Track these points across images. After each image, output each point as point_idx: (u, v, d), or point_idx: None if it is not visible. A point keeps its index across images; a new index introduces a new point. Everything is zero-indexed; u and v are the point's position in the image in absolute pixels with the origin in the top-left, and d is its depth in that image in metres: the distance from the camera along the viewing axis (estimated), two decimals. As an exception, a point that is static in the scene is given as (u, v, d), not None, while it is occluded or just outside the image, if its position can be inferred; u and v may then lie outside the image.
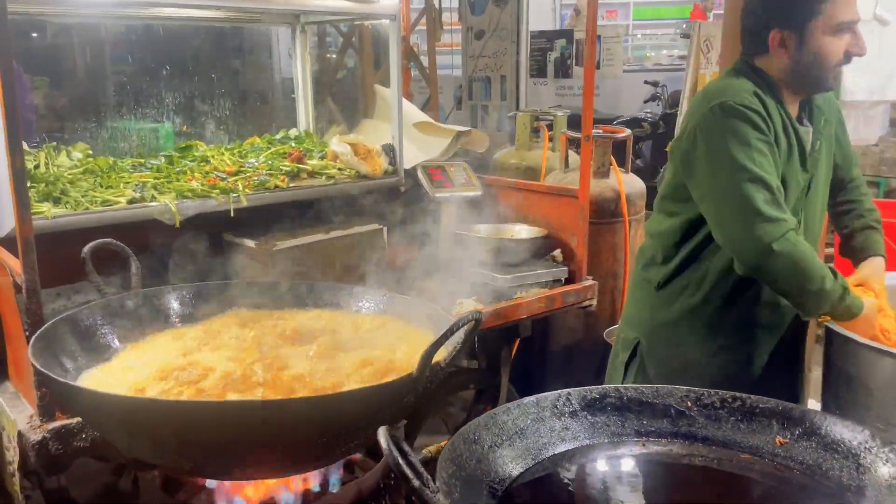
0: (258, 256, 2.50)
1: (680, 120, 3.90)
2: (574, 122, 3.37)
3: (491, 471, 1.37)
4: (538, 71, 7.55)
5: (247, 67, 3.37)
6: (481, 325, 1.38)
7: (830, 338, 1.77)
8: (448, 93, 7.32)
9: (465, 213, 3.15)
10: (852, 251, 1.93)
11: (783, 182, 1.76)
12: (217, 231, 2.53)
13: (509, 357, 2.90)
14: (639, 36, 11.64)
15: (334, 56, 4.37)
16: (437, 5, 4.33)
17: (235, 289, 1.90)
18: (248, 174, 2.55)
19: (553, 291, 2.77)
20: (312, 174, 2.69)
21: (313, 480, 1.56)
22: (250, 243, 2.51)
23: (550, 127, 3.52)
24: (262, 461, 1.32)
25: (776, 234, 1.64)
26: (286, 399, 1.32)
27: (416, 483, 1.09)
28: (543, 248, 2.94)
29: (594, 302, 2.89)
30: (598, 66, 6.68)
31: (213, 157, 2.72)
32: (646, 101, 7.34)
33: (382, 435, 1.12)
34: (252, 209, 2.48)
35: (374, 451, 1.69)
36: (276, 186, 2.55)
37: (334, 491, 1.54)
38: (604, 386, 1.64)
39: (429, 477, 1.17)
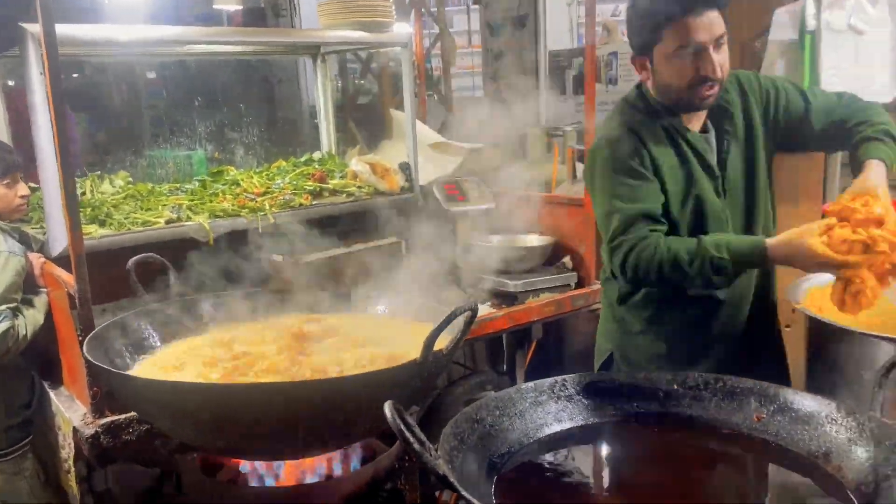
0: (285, 270, 2.69)
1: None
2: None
3: (491, 446, 1.53)
4: (558, 88, 7.73)
5: (274, 96, 3.60)
6: (477, 314, 1.54)
7: (808, 323, 1.85)
8: (469, 115, 7.51)
9: (480, 225, 3.33)
10: (855, 165, 1.81)
11: (687, 189, 1.86)
12: (247, 247, 2.74)
13: (524, 360, 3.05)
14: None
15: (356, 82, 4.62)
16: (449, 31, 4.56)
17: (263, 296, 2.10)
18: (274, 194, 2.77)
19: (563, 296, 2.92)
20: (334, 192, 2.90)
21: (335, 461, 1.73)
22: (277, 258, 2.71)
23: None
24: (286, 441, 1.49)
25: (621, 254, 1.78)
26: (302, 381, 1.49)
27: (417, 447, 1.25)
28: (553, 256, 3.09)
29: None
30: (615, 83, 6.81)
31: (242, 180, 2.95)
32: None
33: (388, 406, 1.29)
34: (279, 226, 2.68)
35: (390, 436, 1.85)
36: (301, 205, 2.76)
37: (354, 471, 1.70)
38: (598, 372, 1.79)
39: (431, 445, 1.33)
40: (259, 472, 1.66)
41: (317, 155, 3.39)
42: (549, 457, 1.54)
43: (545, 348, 3.08)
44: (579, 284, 3.01)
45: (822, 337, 1.77)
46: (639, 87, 1.97)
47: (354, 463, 1.77)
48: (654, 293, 1.98)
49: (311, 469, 1.71)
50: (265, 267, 2.70)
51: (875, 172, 1.73)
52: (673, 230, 1.87)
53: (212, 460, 1.70)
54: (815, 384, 1.77)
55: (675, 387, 1.71)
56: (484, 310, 2.88)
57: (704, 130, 1.94)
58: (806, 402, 1.55)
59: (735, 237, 1.79)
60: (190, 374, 1.61)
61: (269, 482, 1.66)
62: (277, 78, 3.36)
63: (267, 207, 2.64)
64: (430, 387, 1.63)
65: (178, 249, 2.47)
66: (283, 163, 3.27)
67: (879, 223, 1.59)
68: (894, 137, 1.83)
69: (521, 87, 6.99)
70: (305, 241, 2.81)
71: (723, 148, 1.92)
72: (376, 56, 4.32)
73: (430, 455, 1.29)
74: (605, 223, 1.87)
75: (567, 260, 3.07)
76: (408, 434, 1.27)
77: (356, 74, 4.81)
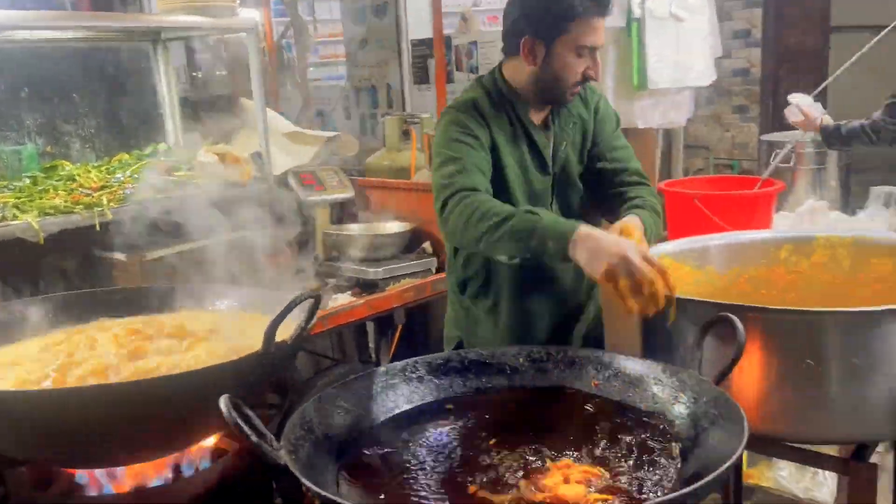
0: (129, 269, 2.55)
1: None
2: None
3: (341, 432, 1.52)
4: (421, 78, 7.77)
5: (118, 86, 3.38)
6: (321, 302, 1.53)
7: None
8: (335, 103, 7.41)
9: (340, 214, 3.30)
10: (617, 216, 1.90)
11: (523, 176, 1.93)
12: (86, 247, 2.58)
13: (389, 347, 3.06)
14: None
15: (202, 72, 4.44)
16: (303, 17, 4.46)
17: (100, 296, 1.98)
18: (114, 189, 2.61)
19: (423, 281, 2.95)
20: (180, 184, 2.77)
21: (183, 462, 1.66)
22: (120, 256, 2.57)
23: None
24: (123, 444, 1.42)
25: (448, 204, 1.80)
26: (126, 382, 1.41)
27: (254, 439, 1.23)
28: (413, 242, 3.11)
29: (464, 288, 3.09)
30: (475, 71, 6.93)
31: (79, 175, 2.75)
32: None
33: (223, 400, 1.25)
34: (121, 223, 2.53)
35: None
36: (144, 199, 2.61)
37: (201, 470, 1.64)
38: (447, 353, 1.82)
39: (272, 437, 1.31)
40: (98, 480, 1.57)
41: (162, 146, 3.22)
42: (402, 434, 1.56)
43: (411, 333, 3.10)
44: (440, 269, 3.05)
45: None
46: (493, 73, 1.99)
47: (204, 462, 1.71)
48: (494, 281, 2.02)
49: (157, 472, 1.63)
50: (106, 267, 2.55)
51: (634, 219, 1.81)
52: None
53: (43, 473, 1.59)
54: (650, 349, 1.89)
55: (521, 360, 1.78)
56: (345, 299, 2.86)
57: (546, 127, 1.99)
58: (636, 366, 1.66)
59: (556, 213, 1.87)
60: (11, 381, 1.49)
61: (108, 490, 1.57)
62: (124, 67, 3.15)
63: (105, 203, 2.49)
64: (278, 378, 1.60)
65: (4, 250, 2.29)
66: (126, 156, 3.08)
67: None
68: (658, 214, 1.94)
69: (383, 76, 6.96)
70: (149, 238, 2.67)
71: (560, 148, 1.99)
72: (227, 44, 4.16)
73: (271, 446, 1.27)
74: (437, 179, 1.88)
75: (427, 245, 3.10)
76: (245, 427, 1.24)
77: (204, 64, 4.63)
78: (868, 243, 2.10)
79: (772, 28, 5.89)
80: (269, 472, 1.83)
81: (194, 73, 4.17)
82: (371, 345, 3.46)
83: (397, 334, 3.09)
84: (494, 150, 1.91)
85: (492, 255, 1.89)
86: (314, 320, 1.55)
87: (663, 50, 2.61)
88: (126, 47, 3.28)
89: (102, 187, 2.61)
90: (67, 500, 1.55)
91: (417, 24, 7.94)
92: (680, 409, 1.50)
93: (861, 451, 1.78)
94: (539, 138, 1.96)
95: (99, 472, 1.58)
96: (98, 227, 2.44)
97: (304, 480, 1.22)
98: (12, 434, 1.38)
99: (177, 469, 1.66)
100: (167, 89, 3.23)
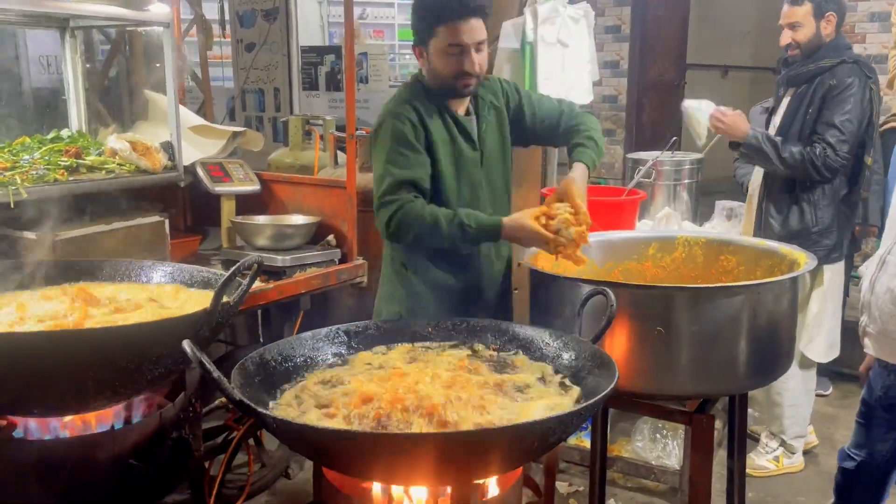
0: (39, 248, 2.59)
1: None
2: (342, 129, 3.79)
3: (275, 382, 1.73)
4: (310, 84, 7.89)
5: (19, 69, 3.32)
6: (262, 267, 1.72)
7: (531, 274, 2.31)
8: (220, 104, 7.40)
9: (245, 207, 3.43)
10: (569, 162, 2.36)
11: (456, 158, 2.28)
12: (-6, 224, 2.59)
13: (292, 331, 3.22)
14: (406, 57, 12.41)
15: (100, 62, 4.41)
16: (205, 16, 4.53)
17: (28, 268, 2.06)
18: (25, 169, 2.64)
19: (328, 270, 3.15)
20: (92, 169, 2.83)
21: (116, 417, 1.79)
22: (31, 235, 2.60)
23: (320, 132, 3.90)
24: (75, 391, 1.55)
25: (388, 212, 2.14)
26: (92, 328, 1.55)
27: (215, 375, 1.42)
28: (318, 234, 3.30)
29: (365, 279, 3.32)
30: (366, 81, 7.16)
31: (-19, 154, 2.75)
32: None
33: (186, 343, 1.43)
34: (32, 203, 2.57)
35: (172, 392, 1.95)
36: (56, 180, 2.66)
37: (138, 422, 1.78)
38: (366, 322, 2.07)
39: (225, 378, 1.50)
40: (37, 428, 1.67)
41: (66, 132, 3.23)
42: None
43: (311, 319, 3.28)
44: (343, 261, 3.26)
45: (539, 283, 2.22)
46: (416, 75, 2.35)
47: (136, 417, 1.85)
48: (436, 260, 2.33)
49: (93, 424, 1.76)
50: (17, 247, 2.57)
51: (577, 174, 2.28)
52: (443, 193, 2.25)
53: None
54: (536, 319, 2.22)
55: (430, 329, 2.05)
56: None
57: (468, 114, 2.36)
58: (528, 332, 1.97)
59: (482, 214, 2.20)
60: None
61: (48, 438, 1.68)
62: (24, 51, 3.12)
63: (18, 182, 2.52)
64: (215, 339, 1.76)
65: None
66: (27, 139, 3.08)
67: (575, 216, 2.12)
68: (596, 141, 2.39)
69: (271, 79, 7.05)
70: (61, 219, 2.71)
71: (482, 128, 2.35)
72: (128, 35, 4.17)
73: (228, 384, 1.46)
74: (377, 185, 2.20)
75: (331, 238, 3.29)
76: (208, 365, 1.43)
77: (100, 54, 4.59)
78: (718, 243, 2.56)
79: (637, 61, 6.56)
80: (193, 427, 1.99)
81: (88, 66, 4.15)
82: (260, 330, 3.61)
83: (299, 319, 3.27)
84: (430, 143, 2.24)
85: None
86: (254, 283, 1.73)
87: (551, 70, 2.99)
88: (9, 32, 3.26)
89: (13, 167, 2.63)
90: (9, 443, 1.64)
91: (305, 32, 8.08)
92: (566, 361, 1.82)
93: (703, 405, 2.19)
94: (465, 122, 2.32)
95: (36, 422, 1.69)
96: (12, 205, 2.47)
97: (259, 410, 1.43)
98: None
99: (110, 422, 1.79)
100: (73, 77, 3.26)
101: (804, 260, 2.23)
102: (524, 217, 2.12)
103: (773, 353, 2.12)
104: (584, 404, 1.45)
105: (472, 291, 2.41)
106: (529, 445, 1.41)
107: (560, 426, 1.42)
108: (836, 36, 3.18)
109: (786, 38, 3.21)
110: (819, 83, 3.14)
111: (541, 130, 2.47)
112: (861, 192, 3.36)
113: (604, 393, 1.46)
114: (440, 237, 2.14)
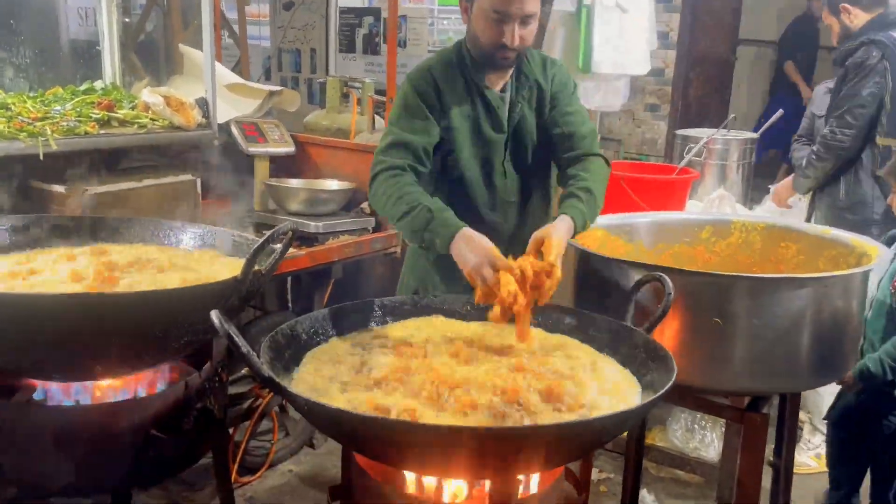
0: (68, 202, 2.52)
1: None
2: (380, 93, 3.66)
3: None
4: (347, 46, 7.74)
5: (57, 19, 3.24)
6: (297, 235, 1.61)
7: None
8: (257, 63, 7.30)
9: (279, 169, 3.33)
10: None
11: (474, 137, 2.09)
12: (24, 178, 2.52)
13: (322, 301, 3.14)
14: (444, 22, 12.16)
15: (138, 14, 4.31)
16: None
17: (61, 221, 1.97)
18: (55, 120, 2.55)
19: (361, 238, 3.04)
20: (124, 123, 2.74)
21: (140, 385, 1.71)
22: (60, 189, 2.53)
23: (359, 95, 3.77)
24: (101, 355, 1.46)
25: (376, 169, 2.01)
26: (121, 293, 1.47)
27: (244, 350, 1.32)
28: (353, 201, 3.20)
29: (398, 249, 3.20)
30: (404, 46, 6.99)
31: (14, 104, 2.67)
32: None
33: (214, 314, 1.33)
34: (62, 156, 2.49)
35: (198, 361, 1.86)
36: (87, 133, 2.58)
37: (161, 391, 1.70)
38: (402, 296, 1.96)
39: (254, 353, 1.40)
40: (58, 394, 1.60)
41: (99, 84, 3.15)
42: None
43: (343, 288, 3.19)
44: (377, 229, 3.15)
45: (586, 265, 2.09)
46: (460, 41, 2.15)
47: (160, 386, 1.77)
48: None
49: (115, 392, 1.68)
50: (43, 198, 2.50)
51: (562, 227, 1.84)
52: (457, 169, 2.09)
53: (5, 383, 1.60)
54: (581, 302, 2.09)
55: (468, 308, 1.94)
56: (283, 250, 2.91)
57: (503, 91, 2.14)
58: (575, 317, 1.85)
59: (451, 213, 1.90)
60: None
61: (69, 404, 1.60)
62: (63, 2, 3.03)
63: (49, 133, 2.44)
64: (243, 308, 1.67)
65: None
66: (60, 90, 3.00)
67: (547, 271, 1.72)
68: (595, 196, 1.99)
69: (308, 40, 6.91)
70: (91, 173, 2.64)
71: (515, 109, 2.13)
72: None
73: (256, 359, 1.36)
74: (377, 149, 2.07)
75: (365, 205, 3.18)
76: (237, 339, 1.33)
77: (137, 7, 4.48)
78: (779, 229, 2.39)
79: (687, 33, 6.28)
80: (219, 398, 1.91)
81: (126, 20, 4.06)
82: (289, 296, 3.53)
83: (329, 288, 3.18)
84: (444, 113, 2.07)
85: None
86: (286, 253, 1.63)
87: (608, 37, 2.82)
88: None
89: (44, 118, 2.55)
90: (30, 408, 1.57)
91: (348, -8, 7.90)
92: (617, 353, 1.69)
93: (755, 402, 2.05)
94: (493, 99, 2.12)
95: (58, 387, 1.62)
96: (41, 157, 2.39)
97: (287, 389, 1.33)
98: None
99: (135, 390, 1.71)
100: (108, 27, 3.16)
101: (875, 252, 2.07)
102: (489, 244, 1.77)
103: (837, 350, 1.97)
104: (645, 402, 1.33)
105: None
106: (593, 439, 1.29)
107: (620, 424, 1.30)
108: (877, 16, 3.18)
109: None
110: (848, 65, 3.22)
111: (551, 139, 2.15)
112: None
113: (664, 390, 1.34)
114: (400, 218, 1.91)
